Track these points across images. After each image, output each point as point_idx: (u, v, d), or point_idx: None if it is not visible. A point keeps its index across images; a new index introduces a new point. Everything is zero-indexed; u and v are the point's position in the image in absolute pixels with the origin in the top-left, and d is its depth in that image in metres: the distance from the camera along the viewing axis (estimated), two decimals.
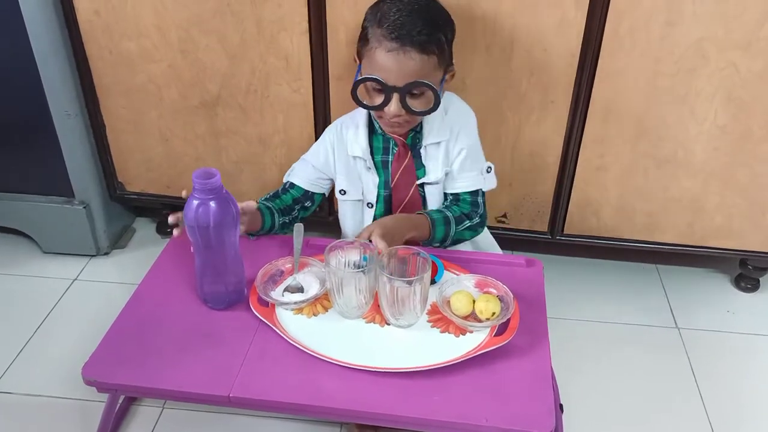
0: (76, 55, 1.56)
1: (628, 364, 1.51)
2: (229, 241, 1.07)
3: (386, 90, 1.17)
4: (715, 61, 1.37)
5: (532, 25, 1.38)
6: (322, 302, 1.13)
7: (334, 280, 1.06)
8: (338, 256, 1.11)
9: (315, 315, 1.11)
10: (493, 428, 0.95)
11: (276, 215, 1.29)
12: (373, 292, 1.10)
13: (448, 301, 1.09)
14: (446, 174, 1.30)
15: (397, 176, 1.31)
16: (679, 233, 1.62)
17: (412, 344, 1.06)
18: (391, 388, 0.99)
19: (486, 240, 1.43)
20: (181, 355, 1.05)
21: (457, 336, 1.07)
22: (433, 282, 1.14)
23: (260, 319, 1.09)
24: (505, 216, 1.66)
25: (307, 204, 1.36)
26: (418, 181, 1.31)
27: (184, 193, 1.09)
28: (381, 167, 1.32)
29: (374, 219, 1.34)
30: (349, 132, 1.31)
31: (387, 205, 1.35)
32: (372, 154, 1.31)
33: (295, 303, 1.11)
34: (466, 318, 1.07)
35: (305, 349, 1.03)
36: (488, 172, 1.33)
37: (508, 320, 1.07)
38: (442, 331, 1.08)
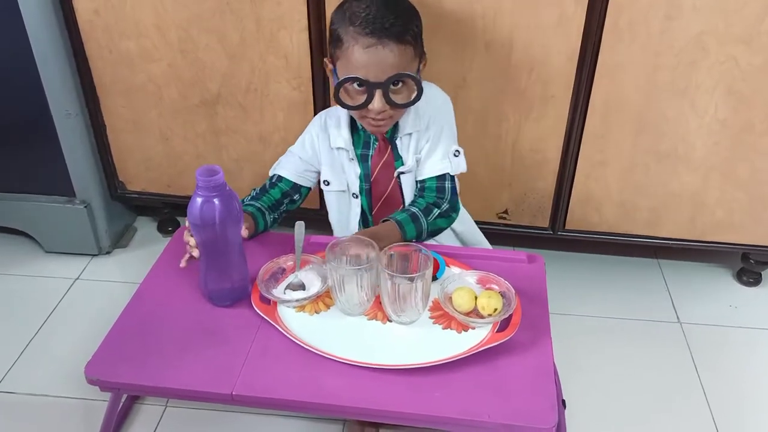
0: (76, 55, 1.56)
1: (631, 359, 1.51)
2: (233, 238, 1.07)
3: (368, 87, 1.16)
4: (715, 54, 1.37)
5: (532, 21, 1.38)
6: (323, 300, 1.13)
7: (335, 278, 1.06)
8: (340, 253, 1.10)
9: (317, 312, 1.11)
10: (495, 424, 0.95)
11: (266, 214, 1.29)
12: (375, 289, 1.10)
13: (450, 298, 1.09)
14: (417, 161, 1.29)
15: (377, 170, 1.31)
16: (681, 228, 1.62)
17: (414, 341, 1.06)
18: (394, 385, 0.99)
19: (475, 236, 1.43)
20: (184, 353, 1.05)
21: (459, 332, 1.07)
22: (434, 278, 1.14)
23: (262, 317, 1.09)
24: (506, 212, 1.66)
25: (296, 197, 1.35)
26: (396, 171, 1.30)
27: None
28: (361, 161, 1.32)
29: (361, 210, 1.34)
30: (332, 123, 1.31)
31: (368, 198, 1.35)
32: (353, 145, 1.31)
33: (297, 300, 1.12)
34: (468, 314, 1.07)
35: (307, 347, 1.04)
36: (456, 156, 1.29)
37: (510, 316, 1.07)
38: (444, 328, 1.08)
